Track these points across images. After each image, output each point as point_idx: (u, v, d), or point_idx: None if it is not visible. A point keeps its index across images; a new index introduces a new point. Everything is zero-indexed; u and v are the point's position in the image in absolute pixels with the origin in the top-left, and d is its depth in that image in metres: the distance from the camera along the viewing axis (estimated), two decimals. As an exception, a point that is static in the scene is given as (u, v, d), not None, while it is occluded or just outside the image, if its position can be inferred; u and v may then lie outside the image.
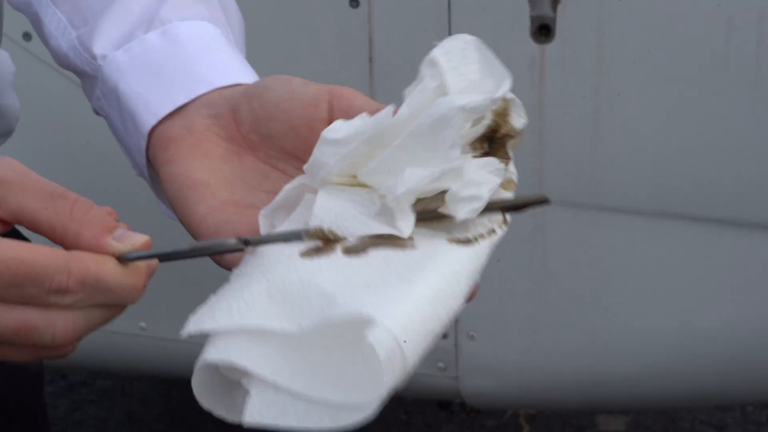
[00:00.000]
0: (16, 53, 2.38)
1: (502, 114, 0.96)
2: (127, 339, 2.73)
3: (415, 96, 0.95)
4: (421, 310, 0.83)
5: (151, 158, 1.18)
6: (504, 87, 0.95)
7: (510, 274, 2.45)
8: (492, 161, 0.92)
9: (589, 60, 2.21)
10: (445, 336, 2.49)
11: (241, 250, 0.97)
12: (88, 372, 3.65)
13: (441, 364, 2.54)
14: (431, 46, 0.99)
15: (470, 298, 0.94)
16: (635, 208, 2.33)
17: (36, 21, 1.36)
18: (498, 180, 0.92)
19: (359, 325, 0.80)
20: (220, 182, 1.10)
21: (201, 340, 1.53)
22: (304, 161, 1.02)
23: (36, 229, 0.96)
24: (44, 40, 1.35)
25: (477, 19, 2.22)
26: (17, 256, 0.94)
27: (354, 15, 2.29)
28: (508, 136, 0.95)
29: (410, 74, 2.41)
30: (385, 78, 2.26)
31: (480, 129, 0.93)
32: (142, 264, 0.95)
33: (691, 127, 2.24)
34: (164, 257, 0.96)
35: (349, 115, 1.05)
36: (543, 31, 2.22)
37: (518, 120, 0.95)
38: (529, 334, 2.51)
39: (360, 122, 0.94)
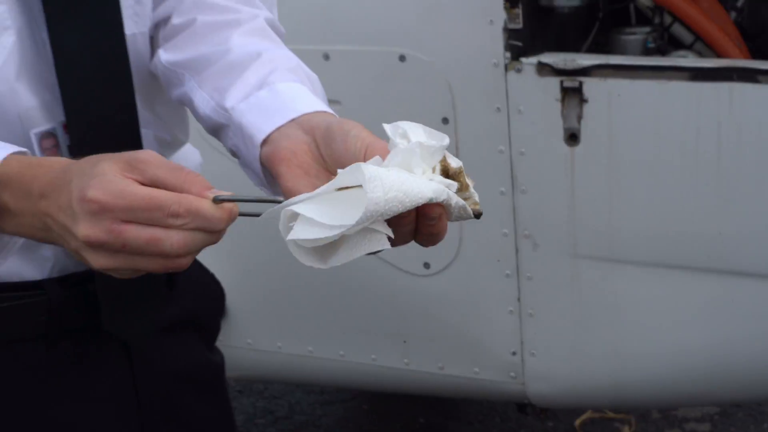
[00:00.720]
0: (225, 163, 2.70)
1: (443, 163, 1.22)
2: (325, 362, 3.05)
3: (395, 153, 1.21)
4: (397, 179, 1.16)
5: (267, 165, 1.42)
6: (446, 140, 1.22)
7: (556, 310, 2.73)
8: (450, 182, 1.22)
9: (604, 158, 2.47)
10: (514, 353, 2.79)
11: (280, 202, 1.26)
12: (290, 408, 4.02)
13: (512, 374, 2.81)
14: (388, 125, 1.26)
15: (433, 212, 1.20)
16: (639, 260, 2.60)
17: (189, 103, 1.59)
18: (447, 186, 1.21)
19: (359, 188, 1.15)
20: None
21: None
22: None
23: (164, 188, 1.21)
24: (195, 112, 1.59)
25: (526, 130, 2.49)
26: (149, 193, 1.20)
27: (445, 130, 2.48)
28: (455, 171, 1.23)
29: (487, 170, 2.70)
30: (470, 172, 2.52)
31: (438, 176, 1.22)
32: (227, 205, 1.21)
33: (674, 203, 2.45)
34: (240, 200, 1.24)
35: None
36: (572, 137, 2.51)
37: (454, 162, 1.22)
38: (571, 352, 2.76)
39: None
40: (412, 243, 1.44)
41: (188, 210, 1.20)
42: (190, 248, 1.22)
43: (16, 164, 1.31)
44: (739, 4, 2.78)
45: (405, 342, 2.96)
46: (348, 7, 2.71)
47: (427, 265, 2.84)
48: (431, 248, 2.71)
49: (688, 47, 2.72)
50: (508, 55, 2.54)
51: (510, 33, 2.54)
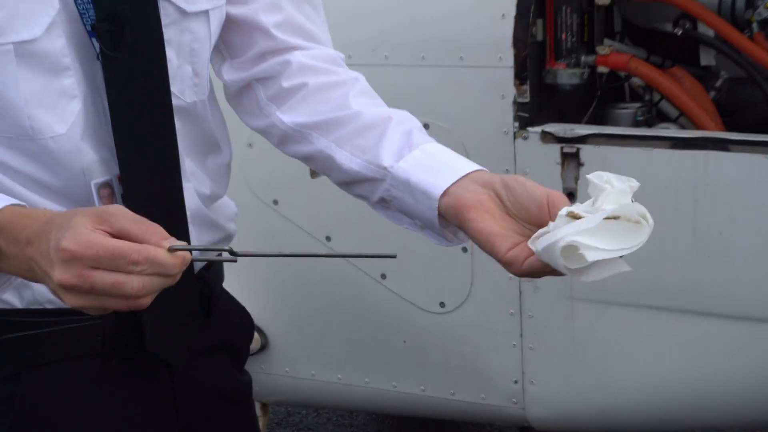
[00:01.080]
0: (267, 213, 2.91)
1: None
2: (352, 388, 3.08)
3: (606, 194, 1.31)
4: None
5: (449, 214, 1.49)
6: (636, 182, 1.33)
7: (553, 344, 2.77)
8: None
9: (597, 212, 2.53)
10: (516, 382, 2.81)
11: (232, 253, 1.30)
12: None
13: (514, 400, 2.84)
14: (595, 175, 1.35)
15: None
16: (626, 302, 2.65)
17: (326, 159, 1.65)
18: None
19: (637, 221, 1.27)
20: (507, 233, 1.42)
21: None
22: (538, 228, 1.36)
23: (128, 238, 1.24)
24: (336, 166, 1.64)
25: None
26: (113, 244, 1.24)
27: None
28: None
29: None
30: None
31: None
32: (180, 254, 1.24)
33: (657, 253, 2.42)
34: (190, 249, 1.27)
35: (556, 210, 1.36)
36: (570, 196, 2.54)
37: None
38: (566, 381, 2.78)
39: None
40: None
41: (146, 258, 1.24)
42: (148, 290, 1.26)
43: (10, 214, 1.35)
44: (718, 84, 2.84)
45: (422, 370, 2.97)
46: (381, 82, 2.49)
47: (442, 305, 2.88)
48: (447, 289, 2.87)
49: (674, 120, 2.80)
50: (517, 124, 2.63)
51: (519, 106, 2.62)
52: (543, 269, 1.37)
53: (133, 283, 1.24)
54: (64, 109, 1.51)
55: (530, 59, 2.64)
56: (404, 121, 1.64)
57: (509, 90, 2.64)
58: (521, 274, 1.40)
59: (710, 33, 2.78)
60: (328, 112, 1.67)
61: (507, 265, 1.41)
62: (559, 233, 1.29)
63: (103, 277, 1.24)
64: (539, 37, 2.69)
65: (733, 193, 2.50)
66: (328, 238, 2.93)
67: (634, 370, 2.74)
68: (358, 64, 2.53)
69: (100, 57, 1.51)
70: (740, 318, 2.57)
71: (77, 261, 1.23)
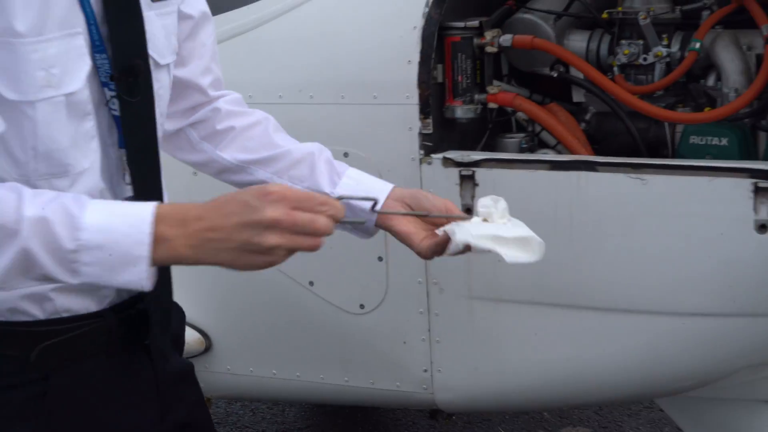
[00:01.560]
0: None
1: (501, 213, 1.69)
2: (285, 382, 3.12)
3: (496, 210, 1.66)
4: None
5: (379, 222, 1.80)
6: (503, 201, 1.69)
7: (456, 338, 2.84)
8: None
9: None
10: (425, 371, 2.88)
11: (373, 207, 1.70)
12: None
13: (424, 386, 2.93)
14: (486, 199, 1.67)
15: None
16: (516, 299, 2.73)
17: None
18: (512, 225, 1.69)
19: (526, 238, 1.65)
20: (417, 230, 1.76)
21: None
22: (437, 226, 1.72)
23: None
24: None
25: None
26: (306, 191, 1.50)
27: (376, 206, 2.88)
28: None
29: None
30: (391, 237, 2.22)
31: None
32: (346, 202, 1.54)
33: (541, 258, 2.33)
34: (353, 198, 1.64)
35: (452, 213, 1.74)
36: (467, 212, 2.53)
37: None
38: (468, 369, 2.87)
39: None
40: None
41: (328, 200, 1.47)
42: (327, 230, 1.47)
43: (167, 207, 1.48)
44: (587, 118, 2.94)
45: (346, 364, 3.05)
46: (307, 118, 2.83)
47: (362, 306, 2.97)
48: (366, 293, 2.95)
49: (552, 147, 2.90)
50: (422, 152, 2.72)
51: (423, 136, 2.72)
52: (439, 251, 1.72)
53: (322, 220, 1.44)
54: (87, 147, 1.63)
55: (432, 98, 2.74)
56: (321, 152, 1.90)
57: (415, 123, 2.75)
58: (427, 257, 1.76)
59: (580, 75, 2.88)
60: (261, 149, 1.88)
61: (418, 252, 1.76)
62: (489, 229, 1.65)
63: (302, 215, 1.43)
64: (440, 79, 2.79)
65: (601, 205, 2.60)
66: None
67: (524, 357, 2.82)
68: (288, 103, 2.89)
69: (114, 102, 1.63)
70: (610, 310, 2.67)
71: (284, 200, 1.42)
